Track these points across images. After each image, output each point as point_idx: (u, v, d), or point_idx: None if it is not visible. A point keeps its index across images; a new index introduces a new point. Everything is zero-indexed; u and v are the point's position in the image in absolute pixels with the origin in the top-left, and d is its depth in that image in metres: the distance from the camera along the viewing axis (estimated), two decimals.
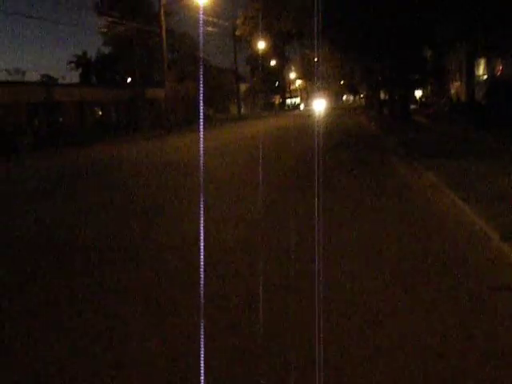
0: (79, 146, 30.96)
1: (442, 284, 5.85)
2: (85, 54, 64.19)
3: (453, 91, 47.03)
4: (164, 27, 41.20)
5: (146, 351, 4.60)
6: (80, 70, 64.02)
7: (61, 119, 40.76)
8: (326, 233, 7.94)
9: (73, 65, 64.04)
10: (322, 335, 4.52)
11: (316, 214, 8.89)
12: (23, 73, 59.95)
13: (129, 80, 57.22)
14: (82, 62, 63.94)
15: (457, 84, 45.96)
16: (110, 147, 29.91)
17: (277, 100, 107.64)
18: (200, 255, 6.69)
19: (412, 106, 42.56)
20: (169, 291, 6.11)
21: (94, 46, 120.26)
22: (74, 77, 63.64)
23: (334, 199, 10.84)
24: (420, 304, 5.33)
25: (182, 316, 5.34)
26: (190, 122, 49.41)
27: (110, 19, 48.77)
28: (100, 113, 46.85)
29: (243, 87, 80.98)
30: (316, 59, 63.92)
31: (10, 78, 51.94)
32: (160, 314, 5.46)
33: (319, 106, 68.93)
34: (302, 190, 11.97)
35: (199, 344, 4.15)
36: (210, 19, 51.02)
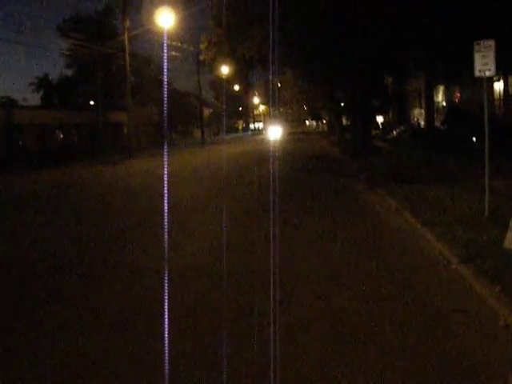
0: (37, 170, 30.32)
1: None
2: (46, 76, 63.55)
3: (413, 117, 47.96)
4: (128, 50, 41.09)
5: None
6: (42, 93, 63.36)
7: (20, 142, 40.16)
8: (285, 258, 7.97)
9: (34, 87, 63.38)
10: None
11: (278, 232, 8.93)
12: None
13: (91, 103, 56.80)
14: (43, 84, 63.27)
15: (417, 110, 46.88)
16: (67, 172, 29.07)
17: (240, 125, 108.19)
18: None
19: (373, 132, 43.16)
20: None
21: (57, 69, 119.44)
22: (35, 99, 62.83)
23: (299, 226, 10.92)
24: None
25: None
26: (153, 147, 49.21)
27: (72, 41, 48.41)
28: (61, 136, 46.34)
29: (206, 112, 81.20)
30: (278, 85, 64.29)
31: None
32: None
33: (275, 133, 62.09)
34: (267, 217, 11.94)
35: None
36: (174, 43, 51.09)
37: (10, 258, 9.26)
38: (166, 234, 8.79)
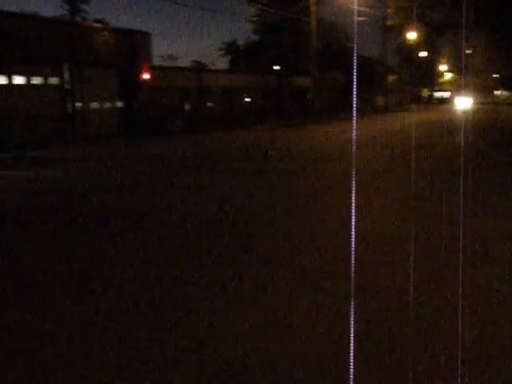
0: (226, 131, 31.53)
1: None
2: (234, 41, 65.63)
3: None
4: (314, 16, 41.07)
5: None
6: (229, 57, 65.59)
7: (209, 104, 41.94)
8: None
9: (223, 52, 65.77)
10: None
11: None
12: (175, 59, 62.70)
13: (275, 68, 57.78)
14: (231, 49, 65.45)
15: None
16: (252, 133, 30.01)
17: (424, 93, 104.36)
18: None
19: None
20: None
21: (242, 34, 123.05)
22: (222, 64, 65.28)
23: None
24: None
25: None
26: (336, 112, 49.09)
27: (260, 7, 49.34)
28: (246, 99, 47.70)
29: (391, 78, 79.32)
30: (468, 51, 60.81)
31: (163, 64, 54.45)
32: None
33: (464, 103, 57.15)
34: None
35: None
36: (361, 9, 50.20)
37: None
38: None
